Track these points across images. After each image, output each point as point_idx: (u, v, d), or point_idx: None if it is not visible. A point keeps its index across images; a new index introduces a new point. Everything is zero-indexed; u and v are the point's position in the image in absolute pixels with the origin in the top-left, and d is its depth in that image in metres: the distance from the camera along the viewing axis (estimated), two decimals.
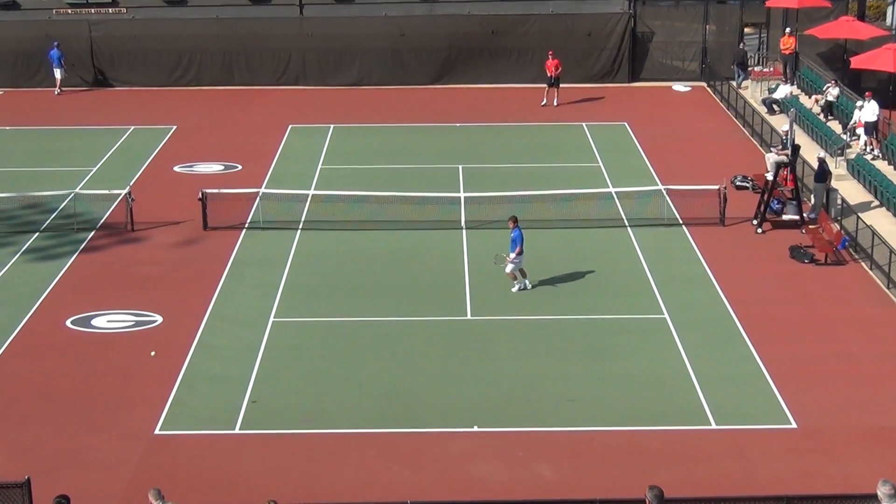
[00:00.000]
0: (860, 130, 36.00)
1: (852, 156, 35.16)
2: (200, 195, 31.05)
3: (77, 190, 32.67)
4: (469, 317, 25.96)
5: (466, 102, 44.59)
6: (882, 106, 36.14)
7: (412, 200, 31.96)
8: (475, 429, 21.28)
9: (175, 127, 41.38)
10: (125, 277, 28.25)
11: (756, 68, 45.86)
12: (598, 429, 21.22)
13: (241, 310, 26.30)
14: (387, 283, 27.73)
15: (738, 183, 34.10)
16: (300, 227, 31.25)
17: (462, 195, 32.65)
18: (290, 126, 41.35)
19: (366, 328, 25.41)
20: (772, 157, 31.39)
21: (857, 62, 39.12)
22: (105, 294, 27.27)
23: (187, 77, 47.49)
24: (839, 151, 35.16)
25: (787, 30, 44.27)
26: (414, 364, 23.76)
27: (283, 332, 25.26)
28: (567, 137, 39.87)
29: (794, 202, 31.18)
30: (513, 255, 26.46)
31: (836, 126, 37.81)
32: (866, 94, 36.25)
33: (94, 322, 25.82)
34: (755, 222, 31.06)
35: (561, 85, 43.83)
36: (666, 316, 25.77)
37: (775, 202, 31.38)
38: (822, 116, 38.95)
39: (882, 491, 15.43)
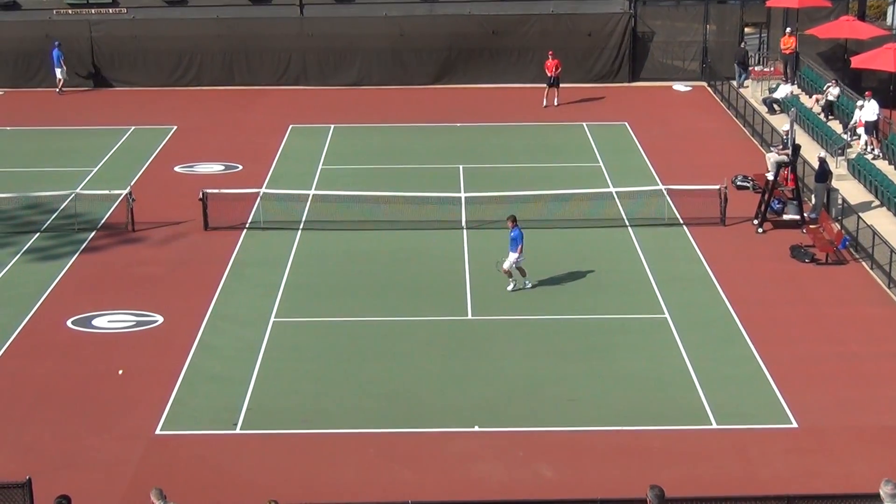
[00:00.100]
0: (861, 130, 36.00)
1: (853, 155, 35.16)
2: (201, 195, 31.06)
3: (78, 190, 32.67)
4: (469, 317, 25.96)
5: (467, 102, 44.59)
6: (882, 105, 36.14)
7: (413, 200, 31.96)
8: (476, 429, 21.29)
9: (175, 127, 41.40)
10: (126, 277, 28.26)
11: (756, 68, 45.86)
12: (599, 428, 21.23)
13: (242, 310, 26.30)
14: (387, 283, 27.73)
15: (738, 183, 34.10)
16: (301, 227, 31.26)
17: (462, 195, 32.65)
18: (290, 126, 41.36)
19: (366, 328, 25.42)
20: (772, 157, 31.39)
21: (857, 62, 39.13)
22: (106, 294, 27.28)
23: (188, 77, 47.50)
24: (840, 151, 35.16)
25: (788, 29, 44.27)
26: (414, 364, 23.77)
27: (284, 332, 25.27)
28: (567, 137, 39.88)
29: (794, 202, 31.18)
30: (515, 255, 26.44)
31: (836, 126, 37.81)
32: (866, 93, 36.25)
33: (95, 322, 25.83)
34: (756, 222, 31.06)
35: (561, 85, 43.85)
36: (666, 316, 25.77)
37: (776, 202, 31.38)
38: (822, 116, 38.95)
39: (885, 491, 15.41)
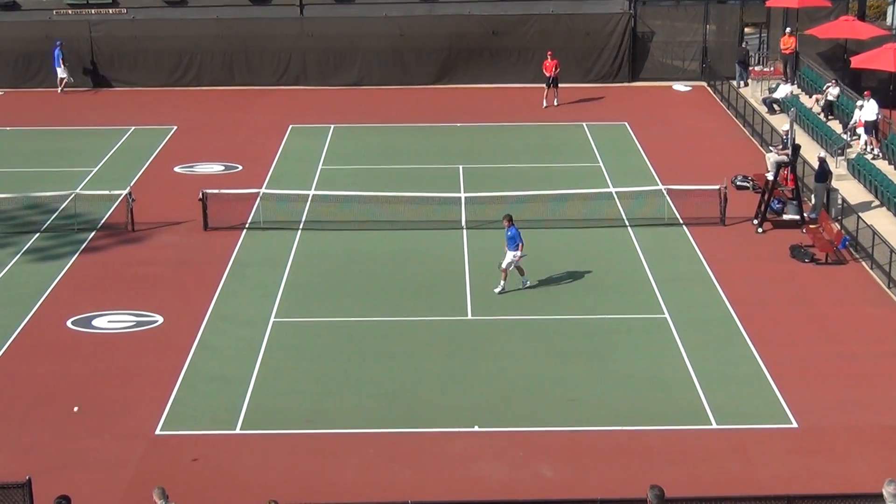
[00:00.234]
0: (860, 130, 36.00)
1: (853, 155, 35.16)
2: (201, 195, 31.06)
3: (78, 190, 32.65)
4: (469, 317, 25.96)
5: (467, 102, 44.59)
6: (882, 105, 36.14)
7: (413, 200, 31.96)
8: (476, 429, 21.28)
9: (175, 127, 41.39)
10: (126, 278, 28.26)
11: (756, 68, 45.87)
12: (599, 428, 21.23)
13: (242, 310, 26.30)
14: (387, 283, 27.73)
15: (738, 183, 34.10)
16: (301, 227, 31.25)
17: (462, 195, 32.65)
18: (290, 126, 41.35)
19: (367, 328, 25.42)
20: (772, 157, 31.39)
21: (857, 62, 39.13)
22: (106, 294, 27.27)
23: (188, 77, 47.49)
24: (839, 151, 35.17)
25: (788, 29, 44.28)
26: (414, 364, 23.76)
27: (284, 332, 25.27)
28: (567, 137, 39.87)
29: (794, 202, 31.18)
30: (513, 254, 26.42)
31: (836, 126, 37.81)
32: (865, 93, 36.25)
33: (95, 322, 25.82)
34: (756, 222, 31.06)
35: (562, 85, 43.84)
36: (666, 315, 25.77)
37: (776, 202, 31.38)
38: (822, 116, 38.95)
39: (888, 490, 15.41)
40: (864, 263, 28.57)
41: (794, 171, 31.40)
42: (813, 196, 31.81)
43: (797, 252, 29.02)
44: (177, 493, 17.81)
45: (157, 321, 25.84)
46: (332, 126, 41.32)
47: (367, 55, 47.08)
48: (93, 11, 47.17)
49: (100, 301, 26.82)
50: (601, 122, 41.45)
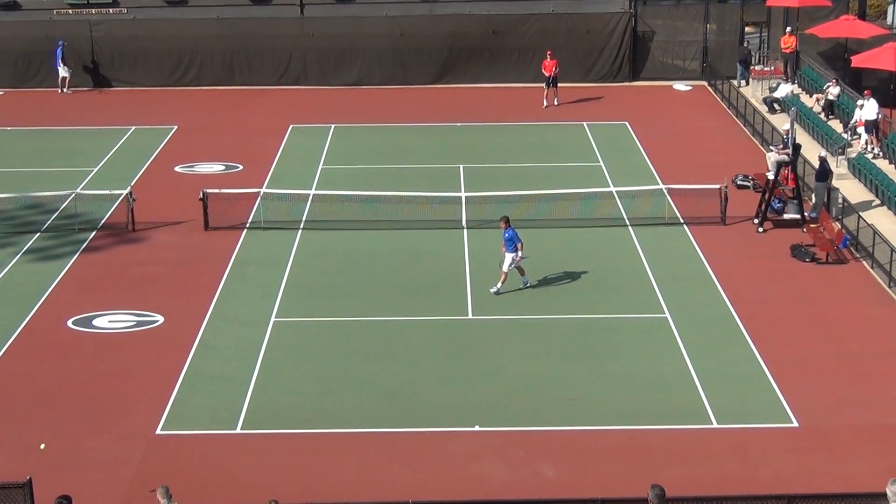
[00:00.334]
0: (861, 129, 35.98)
1: (853, 155, 35.15)
2: (201, 195, 31.06)
3: (78, 190, 32.65)
4: (470, 316, 25.96)
5: (467, 102, 44.58)
6: (882, 104, 36.12)
7: (413, 200, 31.95)
8: (476, 428, 21.28)
9: (176, 127, 41.39)
10: (126, 277, 28.26)
11: (757, 67, 45.86)
12: (600, 428, 21.22)
13: (243, 310, 26.30)
14: (388, 283, 27.73)
15: (739, 182, 34.09)
16: (301, 226, 31.25)
17: (463, 195, 32.64)
18: (291, 126, 41.34)
19: (367, 328, 25.41)
20: (773, 156, 31.38)
21: (857, 61, 39.12)
22: (106, 294, 27.27)
23: (188, 77, 47.49)
24: (840, 150, 35.15)
25: (788, 29, 44.26)
26: (415, 363, 23.76)
27: (284, 331, 25.26)
28: (568, 137, 39.87)
29: (795, 201, 31.18)
30: (512, 255, 26.39)
31: (836, 125, 37.79)
32: (865, 92, 36.24)
33: (96, 322, 25.82)
34: (756, 221, 31.05)
35: (562, 84, 43.83)
36: (667, 315, 25.77)
37: (776, 201, 31.37)
38: (822, 115, 38.94)
39: (892, 490, 15.39)
40: (864, 263, 28.56)
41: (794, 170, 31.39)
42: (813, 195, 31.80)
43: (798, 251, 29.02)
44: (177, 493, 17.77)
45: (157, 321, 25.84)
46: (333, 126, 41.31)
47: (367, 55, 47.08)
48: (93, 11, 47.17)
49: (100, 301, 26.82)
50: (601, 122, 41.44)
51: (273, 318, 25.81)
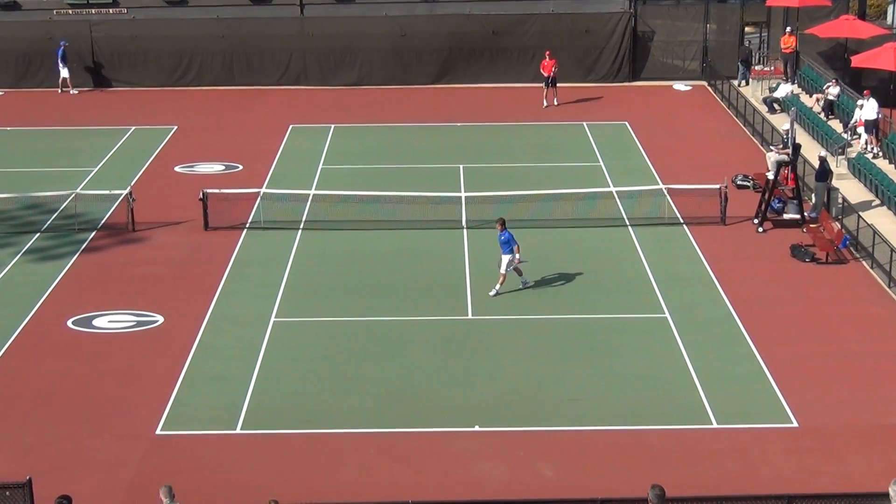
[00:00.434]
0: (861, 129, 35.98)
1: (853, 155, 35.15)
2: (201, 195, 31.06)
3: (78, 190, 32.65)
4: (470, 316, 25.95)
5: (467, 102, 44.59)
6: (882, 104, 36.12)
7: (413, 200, 31.96)
8: (476, 428, 21.28)
9: (176, 127, 41.39)
10: (126, 278, 28.26)
11: (757, 67, 45.88)
12: (600, 428, 21.22)
13: (242, 310, 26.30)
14: (388, 283, 27.72)
15: (738, 182, 34.09)
16: (301, 227, 31.25)
17: (463, 195, 32.64)
18: (290, 126, 41.35)
19: (367, 328, 25.41)
20: (773, 156, 31.38)
21: (857, 61, 39.11)
22: (106, 294, 27.27)
23: (188, 77, 47.49)
24: (840, 150, 35.15)
25: (788, 29, 44.27)
26: (415, 363, 23.76)
27: (284, 332, 25.26)
28: (568, 137, 39.87)
29: (795, 201, 31.18)
30: (509, 257, 26.35)
31: (836, 125, 37.80)
32: (865, 92, 36.24)
33: (96, 322, 25.82)
34: (756, 221, 31.05)
35: (562, 84, 43.84)
36: (667, 315, 25.76)
37: (776, 201, 31.37)
38: (822, 115, 38.94)
39: (895, 490, 15.38)
40: (864, 263, 28.56)
41: (794, 170, 31.38)
42: (813, 195, 31.80)
43: (798, 251, 29.02)
44: (177, 494, 17.77)
45: (157, 321, 25.84)
46: (333, 126, 41.32)
47: (367, 55, 47.08)
48: (93, 11, 47.18)
49: (100, 301, 26.82)
50: (601, 122, 41.44)
51: (273, 319, 25.81)
